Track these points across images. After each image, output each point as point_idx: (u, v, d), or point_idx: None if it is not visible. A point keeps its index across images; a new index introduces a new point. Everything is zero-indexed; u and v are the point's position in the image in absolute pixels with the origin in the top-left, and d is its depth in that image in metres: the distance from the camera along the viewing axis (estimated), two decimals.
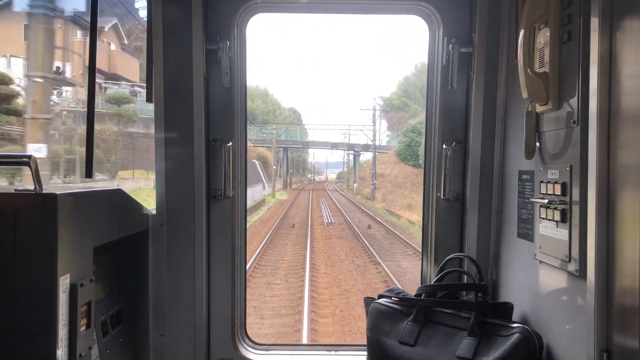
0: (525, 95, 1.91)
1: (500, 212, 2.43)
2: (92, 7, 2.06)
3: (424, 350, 2.09)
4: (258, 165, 43.01)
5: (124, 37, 34.25)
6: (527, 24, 1.90)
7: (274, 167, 45.77)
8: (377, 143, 55.30)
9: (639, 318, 1.40)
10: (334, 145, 59.58)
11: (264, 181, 42.20)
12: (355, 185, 56.99)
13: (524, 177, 2.14)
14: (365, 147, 56.55)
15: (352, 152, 61.08)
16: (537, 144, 2.00)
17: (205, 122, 2.45)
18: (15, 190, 1.54)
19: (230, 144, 2.47)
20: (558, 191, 1.83)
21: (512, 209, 2.26)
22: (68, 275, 1.55)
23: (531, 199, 2.05)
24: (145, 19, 2.38)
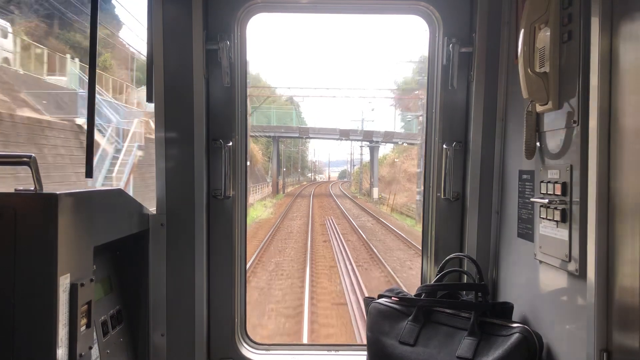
0: (525, 95, 1.91)
1: (500, 212, 2.43)
2: (92, 7, 2.06)
3: (423, 350, 2.09)
4: None
5: None
6: (527, 23, 1.90)
7: (247, 164, 31.22)
8: (394, 131, 41.09)
9: (639, 318, 1.40)
10: (344, 134, 42.09)
11: None
12: (375, 190, 41.73)
13: (524, 176, 2.14)
14: (389, 136, 41.39)
15: (368, 142, 44.17)
16: (537, 143, 2.00)
17: (206, 122, 2.46)
18: (16, 190, 1.54)
19: (231, 143, 2.47)
20: (558, 191, 1.83)
21: (512, 208, 2.26)
22: (68, 274, 1.56)
23: (531, 199, 2.04)
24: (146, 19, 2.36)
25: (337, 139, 43.76)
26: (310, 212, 25.97)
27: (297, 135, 44.68)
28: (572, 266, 1.75)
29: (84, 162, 2.17)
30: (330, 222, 21.67)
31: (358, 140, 46.01)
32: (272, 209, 27.53)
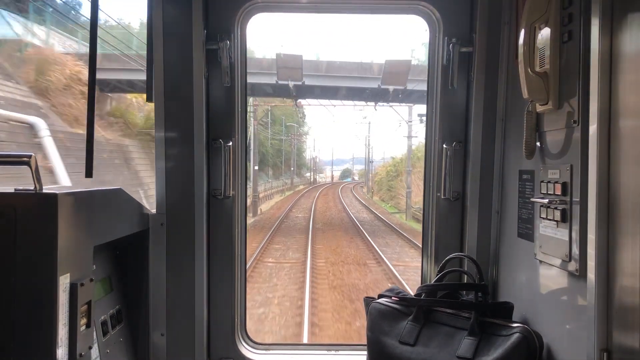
0: (525, 94, 1.91)
1: (501, 212, 2.43)
2: (92, 7, 2.06)
3: (424, 350, 2.09)
4: None
5: None
6: (528, 23, 1.90)
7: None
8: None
9: (639, 317, 1.40)
10: (389, 78, 18.82)
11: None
12: None
13: (525, 176, 2.14)
14: None
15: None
16: (538, 143, 2.00)
17: (206, 122, 2.46)
18: (16, 189, 1.54)
19: (231, 143, 2.47)
20: (558, 191, 1.83)
21: (513, 208, 2.26)
22: (68, 274, 1.55)
23: (531, 199, 2.04)
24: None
25: (374, 94, 19.97)
26: None
27: (270, 87, 20.57)
28: (572, 266, 1.75)
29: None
30: None
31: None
32: None
